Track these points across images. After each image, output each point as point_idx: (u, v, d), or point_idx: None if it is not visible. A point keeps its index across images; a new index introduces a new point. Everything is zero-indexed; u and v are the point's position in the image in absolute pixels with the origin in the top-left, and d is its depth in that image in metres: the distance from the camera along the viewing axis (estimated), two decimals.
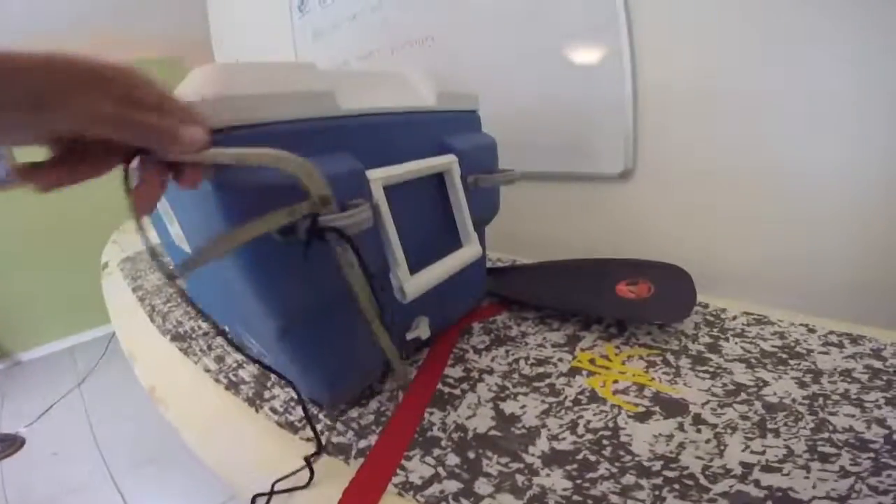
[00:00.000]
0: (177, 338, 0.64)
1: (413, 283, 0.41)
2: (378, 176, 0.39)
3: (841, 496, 0.28)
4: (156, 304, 0.78)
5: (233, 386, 0.50)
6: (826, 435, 0.34)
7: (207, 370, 0.54)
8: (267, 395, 0.47)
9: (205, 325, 0.67)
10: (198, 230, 0.41)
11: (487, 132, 0.55)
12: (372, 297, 0.36)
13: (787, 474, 0.30)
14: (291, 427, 0.42)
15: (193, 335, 0.64)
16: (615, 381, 0.44)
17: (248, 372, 0.52)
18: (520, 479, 0.34)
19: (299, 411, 0.44)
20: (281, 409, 0.45)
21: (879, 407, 0.36)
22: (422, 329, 0.49)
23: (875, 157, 0.53)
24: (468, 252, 0.49)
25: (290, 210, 0.30)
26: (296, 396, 0.44)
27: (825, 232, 0.56)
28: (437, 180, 0.48)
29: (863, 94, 0.52)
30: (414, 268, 0.42)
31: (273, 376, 0.51)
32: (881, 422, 0.35)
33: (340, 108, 0.38)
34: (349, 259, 0.34)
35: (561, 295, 0.57)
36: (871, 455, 0.31)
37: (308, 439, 0.40)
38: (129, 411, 1.85)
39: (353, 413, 0.43)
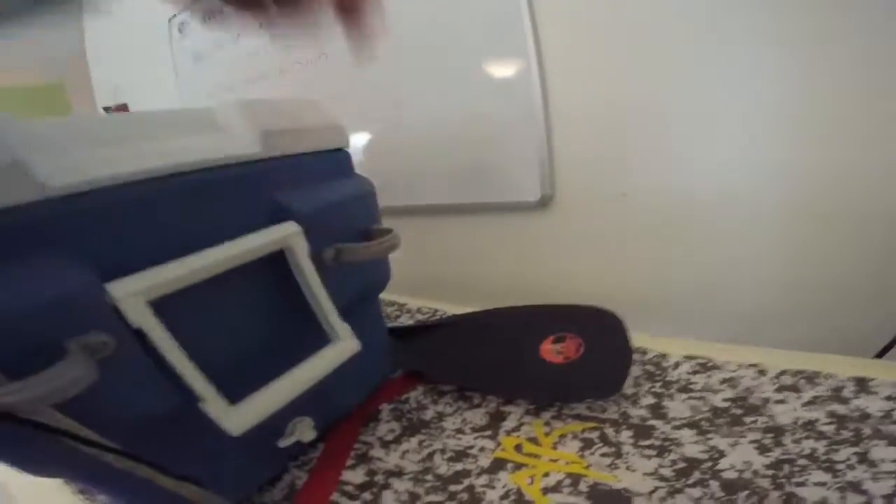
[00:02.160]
0: None
1: (237, 417, 0.28)
2: (135, 289, 0.25)
3: None
4: None
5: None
6: None
7: None
8: None
9: None
10: None
11: (377, 170, 0.45)
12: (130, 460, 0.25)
13: None
14: None
15: None
16: (545, 475, 0.35)
17: None
18: None
19: None
20: None
21: (852, 468, 0.30)
22: (301, 432, 0.38)
23: (776, 174, 0.50)
24: (335, 352, 0.36)
25: None
26: None
27: (743, 254, 0.52)
28: (280, 258, 0.34)
29: (764, 116, 0.50)
30: (250, 384, 0.30)
31: None
32: (856, 486, 0.28)
33: (46, 185, 0.23)
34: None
35: (480, 365, 0.49)
36: None
37: None
38: None
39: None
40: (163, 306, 0.26)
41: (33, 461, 0.24)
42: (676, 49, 0.52)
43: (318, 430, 0.39)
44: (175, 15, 1.19)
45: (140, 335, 0.25)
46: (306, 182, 0.38)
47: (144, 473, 0.25)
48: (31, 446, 0.22)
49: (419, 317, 0.67)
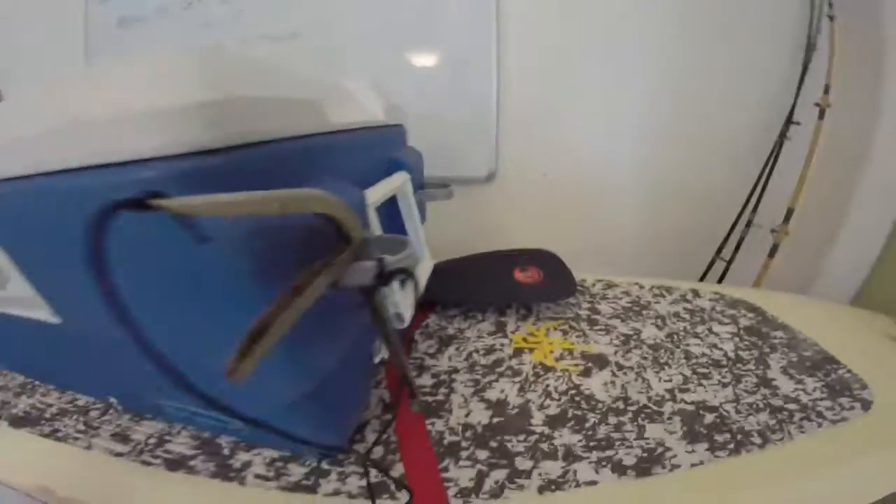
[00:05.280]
0: (21, 422, 0.47)
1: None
2: (372, 200, 0.37)
3: (730, 399, 0.46)
4: None
5: (175, 465, 0.41)
6: (693, 360, 0.53)
7: (116, 453, 0.43)
8: (236, 462, 0.41)
9: (52, 401, 0.50)
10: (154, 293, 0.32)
11: None
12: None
13: (695, 392, 0.47)
14: (301, 487, 0.38)
15: (47, 415, 0.48)
16: (552, 351, 0.55)
17: (183, 443, 0.44)
18: (543, 446, 0.42)
19: (293, 468, 0.40)
20: (272, 474, 0.40)
21: (709, 334, 0.58)
22: (383, 350, 0.50)
23: (636, 161, 0.80)
24: (426, 267, 0.52)
25: (337, 261, 0.28)
26: (276, 455, 0.41)
27: (626, 211, 0.81)
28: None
29: (629, 121, 0.77)
30: None
31: (225, 439, 0.44)
32: (715, 346, 0.56)
33: (330, 122, 0.34)
34: (393, 300, 0.34)
35: (475, 289, 0.66)
36: (727, 368, 0.51)
37: (336, 493, 0.38)
38: None
39: (359, 450, 0.43)
40: None
41: (343, 333, 0.35)
42: (584, 67, 0.76)
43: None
44: None
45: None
46: (399, 145, 0.50)
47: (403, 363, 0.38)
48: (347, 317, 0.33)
49: None
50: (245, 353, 0.18)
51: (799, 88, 0.76)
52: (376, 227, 0.38)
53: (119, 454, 0.43)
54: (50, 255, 0.30)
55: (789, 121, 0.78)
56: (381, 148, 0.47)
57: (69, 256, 0.27)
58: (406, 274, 0.29)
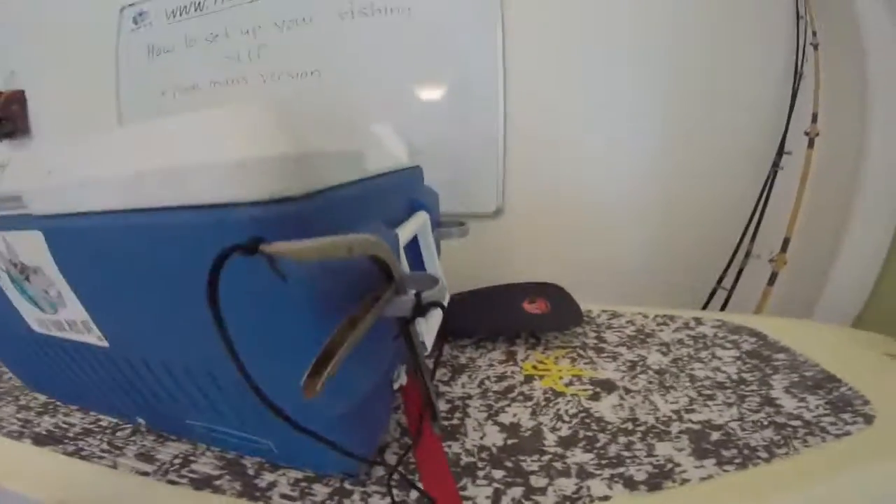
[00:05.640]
0: (44, 440, 0.49)
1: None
2: (402, 237, 0.42)
3: (735, 417, 0.48)
4: None
5: (202, 484, 0.43)
6: (698, 383, 0.55)
7: (142, 473, 0.45)
8: (261, 482, 0.43)
9: (75, 421, 0.53)
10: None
11: None
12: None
13: (700, 412, 0.49)
14: None
15: (70, 434, 0.50)
16: (561, 378, 0.57)
17: (207, 463, 0.46)
18: (557, 465, 0.43)
19: (317, 488, 0.42)
20: (297, 494, 0.41)
21: (712, 359, 0.60)
22: (402, 377, 0.53)
23: (640, 192, 0.84)
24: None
25: (384, 296, 0.32)
26: (300, 475, 0.43)
27: (628, 243, 0.85)
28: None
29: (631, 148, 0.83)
30: None
31: (249, 459, 0.46)
32: (718, 369, 0.58)
33: (368, 169, 0.39)
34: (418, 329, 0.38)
35: (485, 320, 0.68)
36: (731, 389, 0.53)
37: None
38: None
39: (379, 472, 0.44)
40: None
41: (382, 356, 0.39)
42: (584, 106, 0.82)
43: None
44: (131, 4, 1.02)
45: None
46: (419, 185, 0.55)
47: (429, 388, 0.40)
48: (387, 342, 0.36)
49: None
50: (317, 372, 0.22)
51: (789, 117, 0.81)
52: (405, 264, 0.42)
53: (144, 473, 0.44)
54: (120, 285, 0.33)
55: (781, 150, 0.83)
56: (405, 190, 0.52)
57: (152, 285, 0.32)
58: (439, 306, 0.33)
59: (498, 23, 0.84)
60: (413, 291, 0.33)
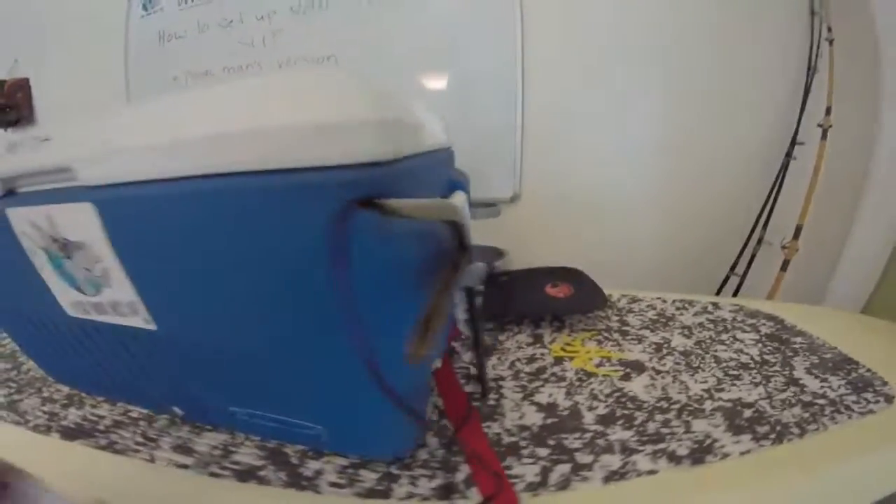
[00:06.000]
0: (74, 434, 0.48)
1: None
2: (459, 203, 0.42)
3: (763, 396, 0.50)
4: None
5: (246, 475, 0.41)
6: (723, 364, 0.56)
7: (181, 465, 0.44)
8: (307, 470, 0.42)
9: (104, 413, 0.51)
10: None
11: None
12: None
13: (730, 391, 0.51)
14: (376, 493, 0.39)
15: (101, 427, 0.49)
16: (591, 359, 0.59)
17: (249, 453, 0.45)
18: (599, 442, 0.44)
19: (365, 474, 0.41)
20: (345, 481, 0.40)
21: (734, 341, 0.62)
22: (436, 360, 0.53)
23: (649, 180, 0.86)
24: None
25: (461, 264, 0.33)
26: (346, 462, 0.42)
27: (642, 230, 0.87)
28: None
29: (642, 146, 0.84)
30: None
31: (291, 448, 0.45)
32: (741, 351, 0.59)
33: (425, 143, 0.38)
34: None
35: (511, 304, 0.69)
36: (755, 369, 0.55)
37: (410, 496, 0.39)
38: None
39: (423, 455, 0.44)
40: None
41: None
42: (601, 96, 0.83)
43: None
44: None
45: None
46: (453, 166, 0.53)
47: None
48: None
49: None
50: (422, 338, 0.22)
51: (802, 110, 0.83)
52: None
53: (184, 466, 0.43)
54: (180, 260, 0.32)
55: (794, 141, 0.85)
56: (445, 168, 0.51)
57: (219, 260, 0.30)
58: (507, 276, 0.33)
59: (517, 16, 0.83)
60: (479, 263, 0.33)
